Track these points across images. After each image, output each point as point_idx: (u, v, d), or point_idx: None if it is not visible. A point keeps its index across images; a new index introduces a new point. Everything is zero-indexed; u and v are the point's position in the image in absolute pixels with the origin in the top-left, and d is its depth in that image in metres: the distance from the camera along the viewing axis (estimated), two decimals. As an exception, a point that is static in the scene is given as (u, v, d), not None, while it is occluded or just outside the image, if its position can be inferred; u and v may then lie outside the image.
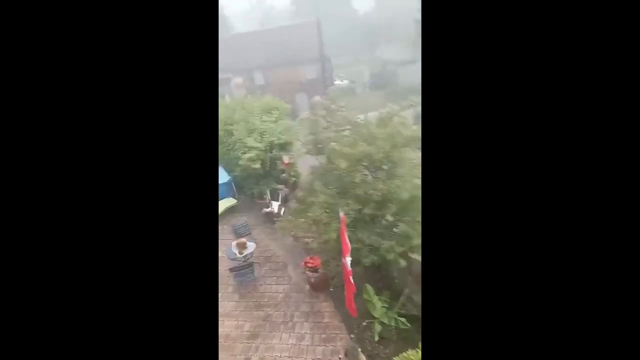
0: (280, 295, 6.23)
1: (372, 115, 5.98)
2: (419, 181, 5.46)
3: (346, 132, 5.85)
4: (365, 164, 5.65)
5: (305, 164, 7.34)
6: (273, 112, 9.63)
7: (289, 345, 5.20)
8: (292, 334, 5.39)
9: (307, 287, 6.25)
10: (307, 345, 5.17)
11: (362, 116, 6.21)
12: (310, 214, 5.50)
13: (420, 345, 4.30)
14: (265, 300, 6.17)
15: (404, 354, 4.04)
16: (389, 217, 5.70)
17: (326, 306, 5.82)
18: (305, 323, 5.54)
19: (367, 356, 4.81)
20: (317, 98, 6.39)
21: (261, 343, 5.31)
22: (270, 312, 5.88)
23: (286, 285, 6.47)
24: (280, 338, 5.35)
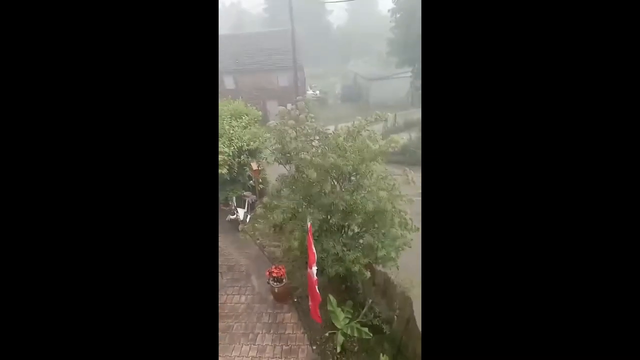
0: (242, 306, 6.05)
1: (342, 127, 6.10)
2: (384, 193, 5.62)
3: (315, 143, 5.90)
4: (334, 174, 5.73)
5: (274, 172, 7.29)
6: (243, 117, 9.50)
7: (249, 358, 5.04)
8: (252, 345, 5.23)
9: (271, 297, 6.13)
10: (268, 357, 5.05)
11: (332, 127, 6.31)
12: (275, 221, 5.44)
13: (381, 356, 4.36)
14: (226, 311, 5.96)
15: (365, 365, 4.07)
16: (355, 228, 5.79)
17: (289, 317, 5.73)
18: (267, 334, 5.41)
19: (328, 368, 4.78)
20: (288, 106, 6.41)
21: (219, 356, 5.10)
22: (231, 323, 5.68)
23: (249, 296, 6.30)
24: (240, 350, 5.17)
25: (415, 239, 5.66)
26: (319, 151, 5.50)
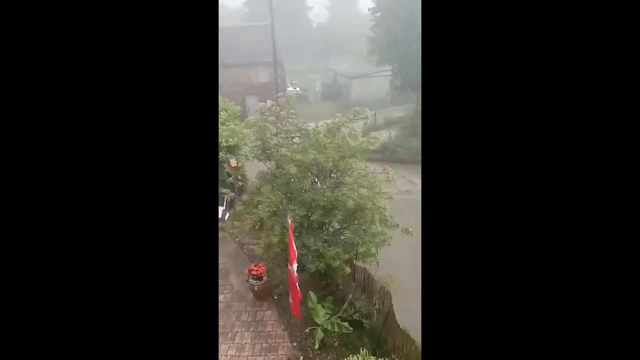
0: (221, 304, 5.95)
1: (323, 124, 6.10)
2: (365, 190, 5.68)
3: (296, 139, 5.87)
4: (314, 171, 5.72)
5: (253, 169, 7.18)
6: (221, 113, 9.29)
7: (228, 357, 4.96)
8: (231, 344, 5.16)
9: (250, 295, 6.06)
10: (247, 355, 4.99)
11: (312, 124, 6.30)
12: (255, 218, 5.38)
13: (361, 350, 4.42)
14: (204, 310, 5.83)
15: (344, 359, 4.11)
16: (335, 224, 5.82)
17: (269, 315, 5.69)
18: (246, 333, 5.35)
19: (309, 364, 4.79)
20: (268, 102, 6.32)
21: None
22: (209, 322, 5.57)
23: (227, 294, 6.20)
24: (219, 350, 5.09)
25: (394, 235, 5.77)
26: (300, 148, 5.47)
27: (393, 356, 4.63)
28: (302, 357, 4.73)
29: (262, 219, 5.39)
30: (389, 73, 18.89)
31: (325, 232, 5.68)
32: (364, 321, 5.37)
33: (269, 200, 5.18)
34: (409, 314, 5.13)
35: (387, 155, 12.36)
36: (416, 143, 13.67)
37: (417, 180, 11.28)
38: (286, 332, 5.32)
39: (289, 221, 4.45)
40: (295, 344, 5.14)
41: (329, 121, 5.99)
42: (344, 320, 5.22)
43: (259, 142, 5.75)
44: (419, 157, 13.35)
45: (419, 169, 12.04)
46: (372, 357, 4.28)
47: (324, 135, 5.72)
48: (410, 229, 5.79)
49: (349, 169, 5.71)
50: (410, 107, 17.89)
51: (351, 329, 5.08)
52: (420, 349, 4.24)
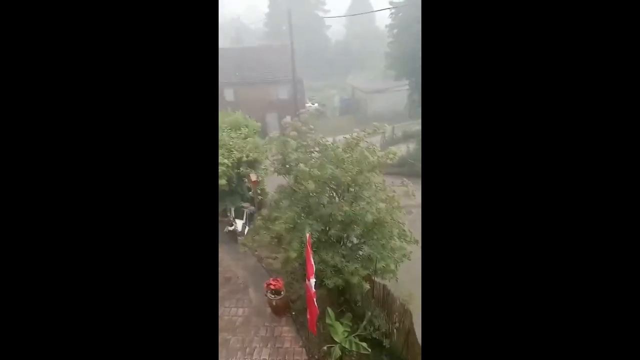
0: (240, 319, 5.96)
1: (341, 139, 6.15)
2: (383, 205, 5.62)
3: (314, 154, 5.94)
4: (332, 186, 5.74)
5: (272, 183, 7.29)
6: (242, 128, 9.56)
7: (246, 373, 4.93)
8: (250, 360, 5.13)
9: (269, 310, 6.04)
10: (266, 372, 4.94)
11: (330, 139, 6.37)
12: (273, 233, 5.42)
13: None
14: (223, 324, 5.86)
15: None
16: (354, 239, 5.77)
17: (287, 331, 5.64)
18: (264, 348, 5.31)
19: (327, 383, 4.68)
20: (288, 118, 6.47)
21: (216, 371, 4.98)
22: (228, 337, 5.58)
23: (246, 309, 6.21)
24: (237, 365, 5.07)
25: (414, 250, 5.63)
26: (318, 163, 5.53)
27: (414, 378, 4.44)
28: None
29: (281, 234, 5.43)
30: (407, 87, 18.93)
31: (343, 247, 5.63)
32: (384, 340, 5.21)
33: (286, 215, 5.22)
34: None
35: (405, 169, 12.24)
36: (436, 157, 13.46)
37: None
38: (304, 349, 5.24)
39: (307, 235, 4.46)
40: (313, 362, 5.05)
41: (347, 136, 6.04)
42: (362, 339, 5.09)
43: (280, 157, 5.86)
44: (439, 171, 13.15)
45: (439, 183, 11.89)
46: (392, 378, 4.13)
47: (342, 150, 5.76)
48: (430, 245, 5.65)
49: (367, 183, 5.69)
50: (429, 121, 17.75)
51: (369, 350, 4.94)
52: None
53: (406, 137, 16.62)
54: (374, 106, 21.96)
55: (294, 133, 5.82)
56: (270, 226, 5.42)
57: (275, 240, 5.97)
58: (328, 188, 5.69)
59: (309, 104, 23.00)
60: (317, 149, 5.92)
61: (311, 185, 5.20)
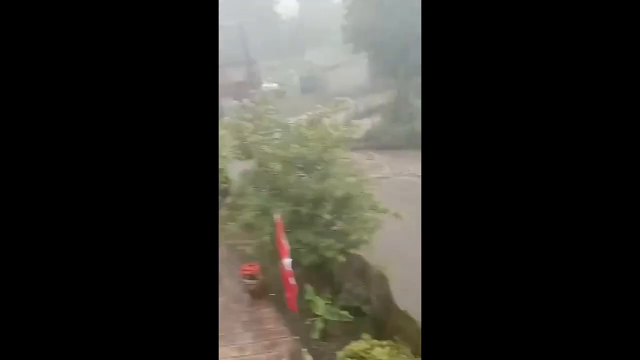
0: (219, 309, 5.90)
1: (304, 117, 6.05)
2: (352, 179, 5.69)
3: (276, 135, 5.81)
4: (299, 165, 5.68)
5: (234, 170, 7.08)
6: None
7: (230, 359, 4.94)
8: (232, 346, 5.12)
9: (247, 295, 6.02)
10: (250, 355, 4.98)
11: (293, 119, 6.24)
12: (243, 219, 5.33)
13: (362, 335, 4.46)
14: (203, 316, 5.77)
15: (347, 346, 4.15)
16: (326, 216, 5.83)
17: (268, 312, 5.67)
18: (246, 333, 5.32)
19: (313, 355, 4.82)
20: (244, 101, 6.22)
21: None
22: (209, 327, 5.52)
23: (223, 297, 6.14)
24: (220, 353, 5.05)
25: (385, 220, 5.82)
26: (281, 143, 5.43)
27: (395, 337, 4.69)
28: (305, 350, 4.74)
29: (251, 221, 5.35)
30: (366, 60, 18.90)
31: (316, 224, 5.67)
32: (363, 307, 5.42)
33: (253, 203, 5.13)
34: (407, 295, 5.21)
35: (371, 143, 12.43)
36: (399, 129, 13.77)
37: (403, 165, 11.37)
38: (287, 327, 5.33)
39: (277, 217, 4.43)
40: (297, 338, 5.16)
41: (310, 113, 5.94)
42: (343, 308, 5.25)
43: (237, 142, 5.68)
44: (403, 143, 13.48)
45: (403, 153, 12.21)
46: (374, 340, 4.33)
47: (305, 128, 5.68)
48: (400, 213, 5.85)
49: (334, 159, 5.70)
50: (390, 94, 17.93)
51: (351, 317, 5.11)
52: (419, 327, 4.31)
53: (369, 111, 16.76)
54: (335, 82, 21.78)
55: (247, 115, 5.63)
56: (239, 215, 5.30)
57: (246, 227, 5.89)
58: (295, 168, 5.62)
59: (265, 85, 22.34)
60: (278, 129, 5.79)
61: (278, 167, 5.12)
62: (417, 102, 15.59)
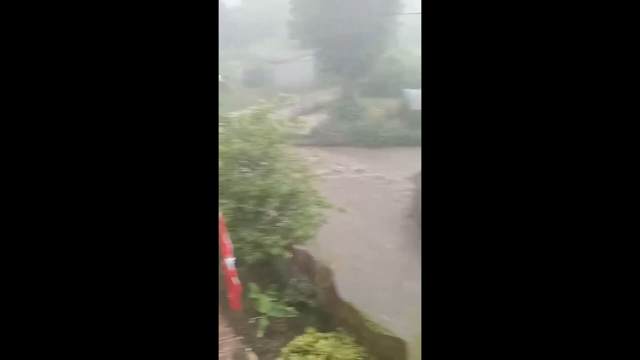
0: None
1: (248, 111, 5.88)
2: (298, 175, 5.69)
3: (220, 130, 5.57)
4: (243, 161, 5.52)
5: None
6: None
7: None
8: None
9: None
10: None
11: (236, 113, 6.03)
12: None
13: (307, 329, 4.52)
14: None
15: (292, 342, 4.18)
16: (271, 212, 5.76)
17: (212, 314, 5.46)
18: (188, 338, 5.06)
19: (258, 354, 4.76)
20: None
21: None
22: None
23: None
24: None
25: (330, 215, 5.94)
26: (223, 138, 5.21)
27: (339, 329, 4.83)
28: (250, 349, 4.66)
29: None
30: (312, 56, 18.98)
31: (261, 221, 5.58)
32: (309, 301, 5.49)
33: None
34: (351, 287, 5.39)
35: (318, 140, 12.54)
36: (346, 126, 14.09)
37: (349, 162, 11.71)
38: (231, 328, 5.18)
39: (219, 215, 4.26)
40: (241, 338, 5.04)
41: (254, 108, 5.79)
42: (289, 304, 5.26)
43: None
44: (349, 139, 13.85)
45: (349, 150, 12.54)
46: (318, 333, 4.41)
47: (249, 123, 5.53)
48: (345, 207, 6.02)
49: (279, 155, 5.65)
50: (336, 90, 18.28)
51: (297, 312, 5.14)
52: (363, 317, 4.50)
53: (317, 108, 16.88)
54: (281, 77, 21.49)
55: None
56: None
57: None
58: (238, 164, 5.46)
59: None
60: (220, 123, 5.55)
61: (219, 162, 4.91)
62: (361, 101, 16.13)
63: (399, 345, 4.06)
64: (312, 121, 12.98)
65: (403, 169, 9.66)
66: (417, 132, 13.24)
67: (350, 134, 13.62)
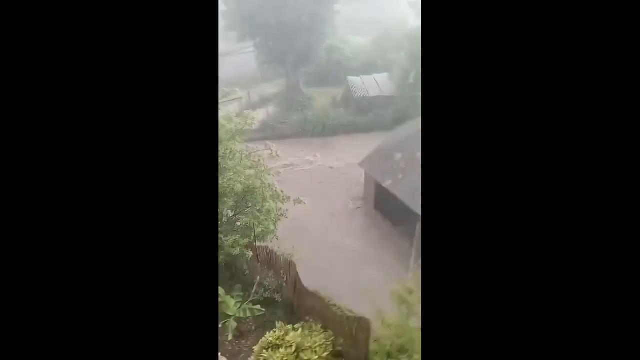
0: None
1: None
2: (251, 171, 5.57)
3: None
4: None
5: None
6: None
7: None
8: None
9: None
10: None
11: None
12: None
13: (276, 324, 4.54)
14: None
15: (263, 339, 4.18)
16: (228, 212, 5.60)
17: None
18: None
19: (231, 356, 4.69)
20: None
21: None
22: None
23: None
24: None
25: (288, 207, 5.94)
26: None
27: (307, 318, 4.93)
28: (219, 353, 4.57)
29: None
30: (252, 49, 18.43)
31: (218, 223, 5.41)
32: (275, 296, 5.50)
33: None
34: (315, 277, 5.50)
35: (268, 133, 12.36)
36: (295, 117, 14.04)
37: (302, 153, 11.73)
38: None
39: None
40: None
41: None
42: (256, 303, 5.23)
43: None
44: (300, 130, 13.83)
45: (301, 141, 12.54)
46: (288, 326, 4.47)
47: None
48: (301, 199, 6.06)
49: (230, 152, 5.48)
50: (281, 82, 18.03)
51: (263, 310, 5.13)
52: (328, 302, 4.64)
53: (264, 101, 16.53)
54: (222, 71, 20.61)
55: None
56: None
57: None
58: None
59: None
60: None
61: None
62: (307, 90, 16.15)
63: (363, 323, 4.29)
64: (260, 115, 12.72)
65: (353, 156, 9.94)
66: (363, 119, 13.76)
67: (299, 125, 13.64)
